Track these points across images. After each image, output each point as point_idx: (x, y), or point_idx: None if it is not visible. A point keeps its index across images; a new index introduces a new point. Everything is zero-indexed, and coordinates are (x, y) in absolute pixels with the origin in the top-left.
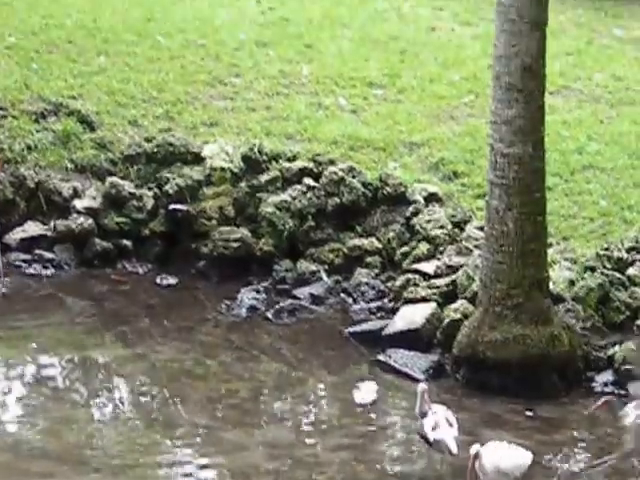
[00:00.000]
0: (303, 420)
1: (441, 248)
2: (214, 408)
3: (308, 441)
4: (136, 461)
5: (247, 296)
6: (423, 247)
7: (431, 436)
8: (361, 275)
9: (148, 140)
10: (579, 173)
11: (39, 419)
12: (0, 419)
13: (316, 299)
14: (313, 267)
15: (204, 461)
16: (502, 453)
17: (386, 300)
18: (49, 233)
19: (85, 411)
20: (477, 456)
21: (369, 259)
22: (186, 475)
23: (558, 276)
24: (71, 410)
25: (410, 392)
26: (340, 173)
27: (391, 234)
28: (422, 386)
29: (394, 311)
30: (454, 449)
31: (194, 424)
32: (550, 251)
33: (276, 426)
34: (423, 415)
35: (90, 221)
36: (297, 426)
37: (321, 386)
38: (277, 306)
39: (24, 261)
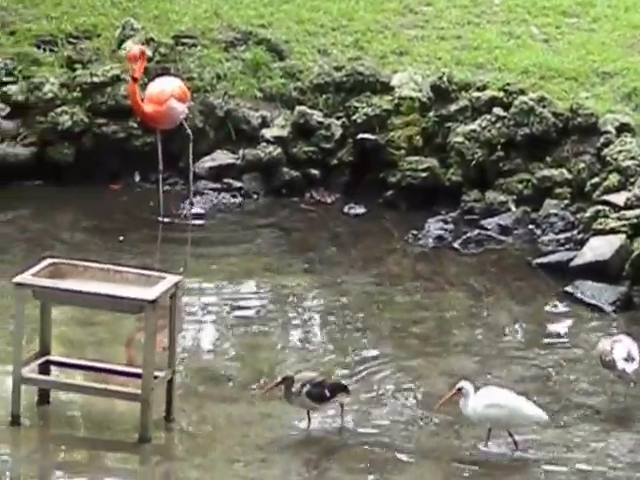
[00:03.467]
0: (487, 350)
1: (632, 179)
2: (399, 337)
3: (492, 371)
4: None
5: (434, 226)
6: (614, 178)
7: (620, 365)
8: (550, 206)
9: (337, 69)
10: None
11: (227, 345)
12: (188, 345)
13: (504, 230)
14: (502, 197)
15: (388, 388)
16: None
17: (575, 231)
18: (238, 162)
19: (272, 338)
20: (461, 392)
21: (558, 190)
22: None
23: None
24: (258, 337)
25: (597, 324)
26: (530, 103)
27: (581, 165)
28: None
29: (583, 242)
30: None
31: (378, 352)
32: None
33: (460, 355)
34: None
35: (279, 150)
36: (481, 356)
37: (507, 316)
38: (464, 236)
39: (213, 189)
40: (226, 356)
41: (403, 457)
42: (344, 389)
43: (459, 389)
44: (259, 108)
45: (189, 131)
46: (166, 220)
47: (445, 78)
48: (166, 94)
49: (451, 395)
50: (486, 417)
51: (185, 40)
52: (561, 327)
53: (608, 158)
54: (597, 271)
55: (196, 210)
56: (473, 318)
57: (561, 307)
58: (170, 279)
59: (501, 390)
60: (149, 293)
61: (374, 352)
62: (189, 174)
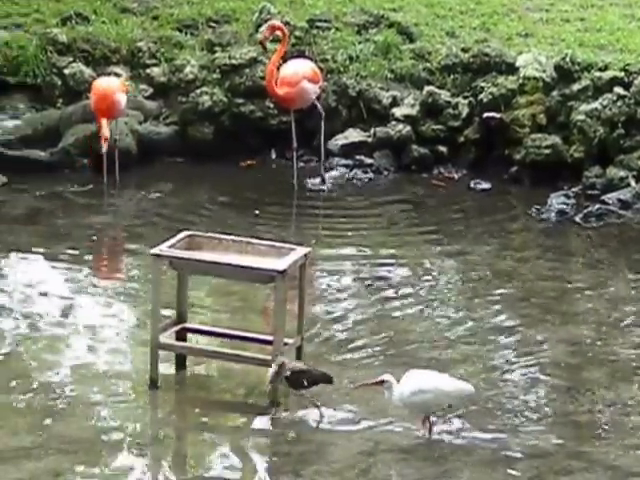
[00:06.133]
0: (605, 319)
1: None
2: (519, 306)
3: (608, 339)
4: (436, 355)
5: (557, 201)
6: None
7: None
8: None
9: (464, 50)
10: None
11: (355, 314)
12: (318, 313)
13: (624, 204)
14: (622, 173)
15: (508, 355)
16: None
17: None
18: (369, 140)
19: (400, 307)
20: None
21: None
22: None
23: None
24: (387, 306)
25: None
26: None
27: None
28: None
29: None
30: None
31: (501, 321)
32: None
33: (579, 324)
34: None
35: (408, 128)
36: (599, 324)
37: (625, 286)
38: (586, 210)
39: (345, 166)
40: (355, 324)
41: (519, 420)
42: None
43: (381, 381)
44: (389, 88)
45: (321, 110)
46: (300, 195)
47: (568, 59)
48: (298, 76)
49: (372, 383)
50: (413, 404)
51: (319, 24)
52: None
53: None
54: None
55: (327, 185)
56: (593, 288)
57: None
58: (300, 250)
59: (424, 373)
60: (279, 264)
61: (497, 320)
62: (321, 151)
